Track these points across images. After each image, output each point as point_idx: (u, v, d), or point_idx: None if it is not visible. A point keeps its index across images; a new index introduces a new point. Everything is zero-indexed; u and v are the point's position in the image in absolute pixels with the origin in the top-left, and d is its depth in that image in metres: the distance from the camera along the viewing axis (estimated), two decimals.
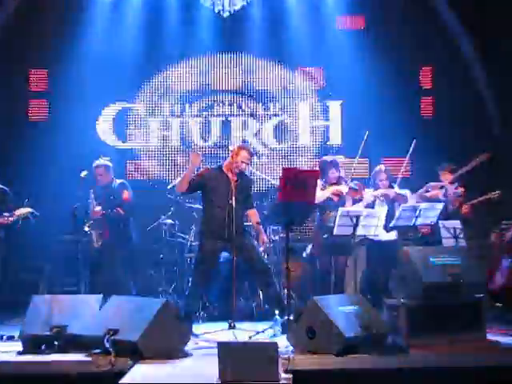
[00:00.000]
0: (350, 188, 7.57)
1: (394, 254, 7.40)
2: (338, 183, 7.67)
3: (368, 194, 7.62)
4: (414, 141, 7.99)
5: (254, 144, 10.63)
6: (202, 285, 7.06)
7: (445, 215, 7.68)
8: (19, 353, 5.60)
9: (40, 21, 10.23)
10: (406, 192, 7.90)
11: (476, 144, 9.59)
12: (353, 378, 5.12)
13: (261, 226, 7.19)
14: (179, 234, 8.67)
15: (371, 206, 7.69)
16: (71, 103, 10.30)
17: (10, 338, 6.14)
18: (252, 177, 7.88)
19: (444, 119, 10.47)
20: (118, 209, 7.82)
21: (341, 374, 5.09)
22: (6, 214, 7.34)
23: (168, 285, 8.57)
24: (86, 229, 7.66)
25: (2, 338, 6.22)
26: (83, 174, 7.77)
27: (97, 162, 8.07)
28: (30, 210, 7.39)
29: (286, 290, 7.44)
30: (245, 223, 7.26)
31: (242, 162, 6.95)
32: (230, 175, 6.91)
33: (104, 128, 10.61)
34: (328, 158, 8.16)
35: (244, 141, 10.25)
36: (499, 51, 9.96)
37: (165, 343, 5.34)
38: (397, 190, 7.83)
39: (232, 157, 6.95)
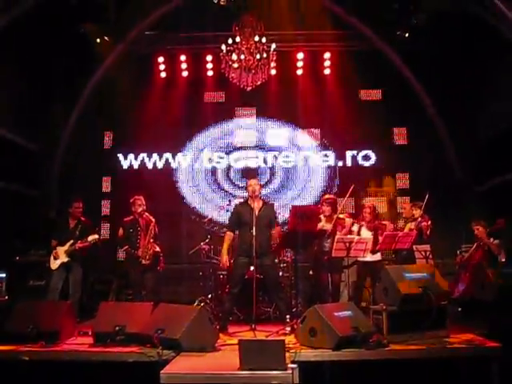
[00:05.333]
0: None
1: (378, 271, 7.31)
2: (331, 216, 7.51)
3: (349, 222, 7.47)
4: (427, 195, 7.52)
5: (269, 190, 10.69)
6: (235, 292, 6.85)
7: (419, 242, 7.58)
8: (90, 345, 5.62)
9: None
10: (387, 223, 7.80)
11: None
12: (345, 367, 5.09)
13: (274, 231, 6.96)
14: (214, 256, 8.58)
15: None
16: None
17: (85, 334, 6.11)
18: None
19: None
20: None
21: (336, 365, 5.08)
22: (82, 240, 7.49)
23: (206, 295, 8.49)
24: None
25: (79, 333, 6.20)
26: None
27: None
28: (96, 236, 7.51)
29: (296, 299, 7.41)
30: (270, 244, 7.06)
31: (248, 188, 6.88)
32: (252, 205, 6.78)
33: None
34: (326, 196, 8.02)
35: None
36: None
37: (200, 340, 5.29)
38: (379, 221, 7.75)
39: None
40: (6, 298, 7.89)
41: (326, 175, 10.83)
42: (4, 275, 8.11)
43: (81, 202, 7.79)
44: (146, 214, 7.51)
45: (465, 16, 8.62)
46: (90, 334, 5.89)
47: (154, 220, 7.51)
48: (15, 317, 5.88)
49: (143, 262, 7.31)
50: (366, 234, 7.54)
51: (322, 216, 7.33)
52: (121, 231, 7.55)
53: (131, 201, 7.54)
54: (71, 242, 7.53)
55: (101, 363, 5.22)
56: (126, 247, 7.45)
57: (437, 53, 9.55)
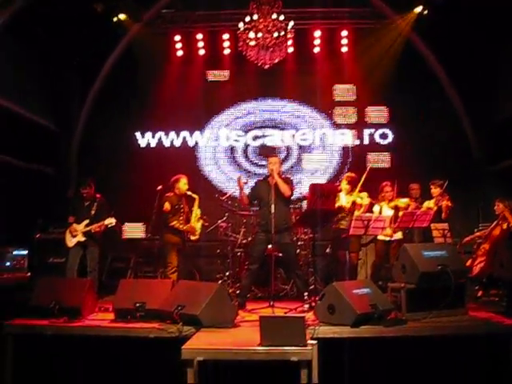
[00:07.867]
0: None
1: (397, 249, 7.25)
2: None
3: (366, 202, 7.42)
4: (447, 182, 7.74)
5: (286, 166, 10.57)
6: (253, 268, 6.85)
7: (437, 221, 7.52)
8: (111, 321, 5.66)
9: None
10: (407, 200, 7.73)
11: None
12: (363, 344, 5.10)
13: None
14: (231, 234, 8.59)
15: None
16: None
17: (106, 310, 6.18)
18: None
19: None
20: None
21: (354, 341, 5.09)
22: (98, 223, 7.47)
23: (223, 272, 8.52)
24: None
25: (100, 309, 6.26)
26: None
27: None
28: (113, 221, 7.49)
29: (313, 277, 7.41)
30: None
31: (268, 165, 6.86)
32: (271, 182, 6.76)
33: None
34: (347, 174, 7.93)
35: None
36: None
37: (219, 316, 5.32)
38: (399, 200, 7.68)
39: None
40: (29, 274, 8.01)
41: (342, 154, 10.71)
42: (26, 252, 8.23)
43: (87, 185, 7.60)
44: (189, 192, 7.54)
45: None
46: (110, 310, 5.94)
47: (197, 196, 7.56)
48: (38, 292, 5.94)
49: (192, 237, 7.42)
50: (389, 213, 7.49)
51: (341, 194, 7.30)
52: (168, 205, 7.36)
53: (175, 178, 7.51)
54: (87, 221, 7.49)
55: (122, 339, 5.27)
56: (175, 222, 7.39)
57: (455, 30, 9.36)
